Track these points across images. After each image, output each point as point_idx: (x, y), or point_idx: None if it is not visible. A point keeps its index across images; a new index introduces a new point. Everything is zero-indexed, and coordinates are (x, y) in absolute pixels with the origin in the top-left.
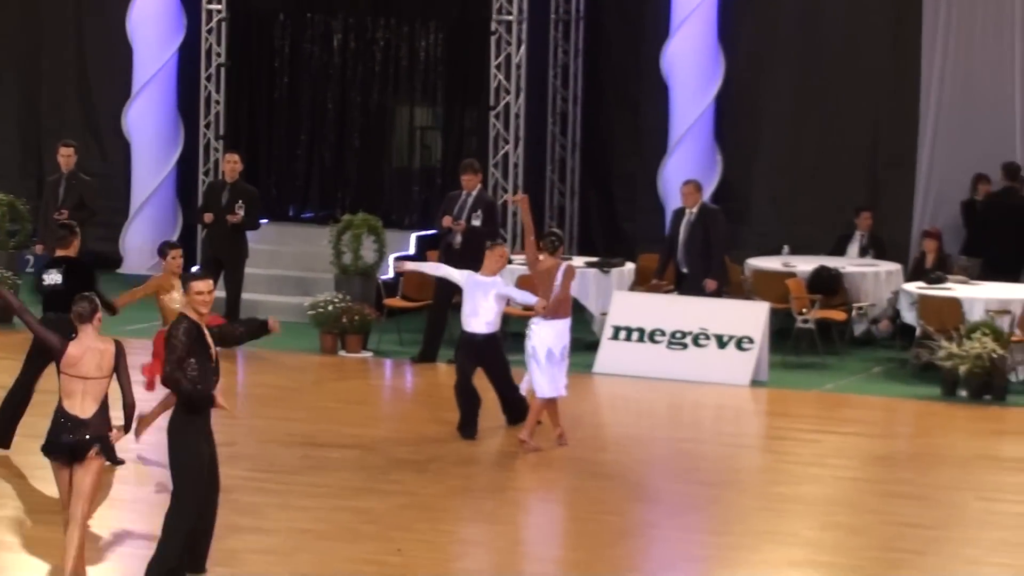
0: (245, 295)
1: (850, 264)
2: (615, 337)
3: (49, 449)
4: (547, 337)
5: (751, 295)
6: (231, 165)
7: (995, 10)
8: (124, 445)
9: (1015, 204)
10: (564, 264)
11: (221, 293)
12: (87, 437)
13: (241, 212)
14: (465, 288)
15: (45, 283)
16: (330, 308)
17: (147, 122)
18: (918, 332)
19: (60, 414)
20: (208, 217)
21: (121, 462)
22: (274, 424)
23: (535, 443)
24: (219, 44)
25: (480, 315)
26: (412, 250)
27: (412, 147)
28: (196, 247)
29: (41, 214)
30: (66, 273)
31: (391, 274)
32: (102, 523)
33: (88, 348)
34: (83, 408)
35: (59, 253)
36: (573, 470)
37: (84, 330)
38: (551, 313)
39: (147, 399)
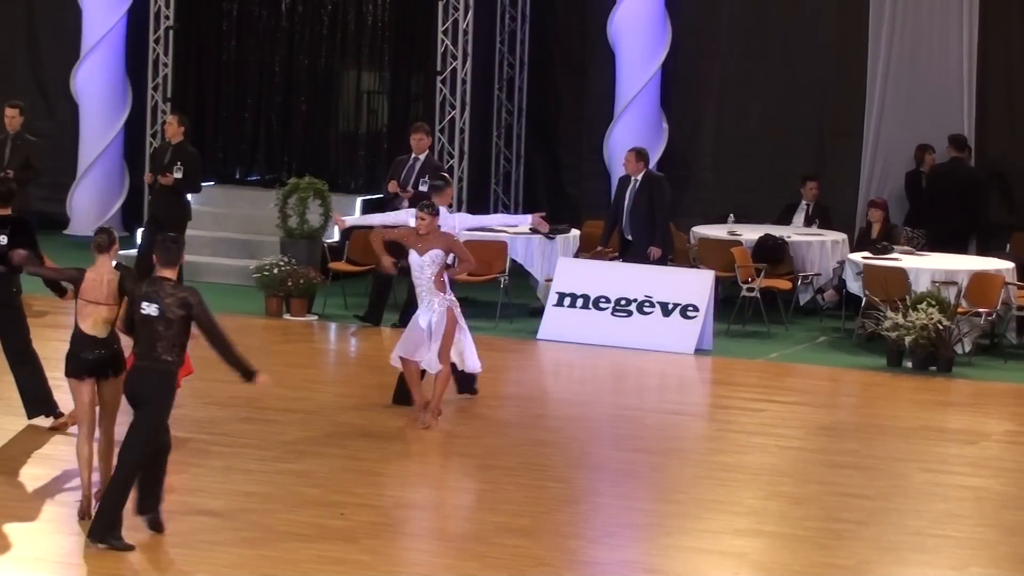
0: (190, 257)
1: (796, 233)
2: (559, 304)
3: (72, 368)
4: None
5: (696, 263)
6: (171, 127)
7: None
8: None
9: (963, 176)
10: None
11: None
12: (104, 353)
13: (178, 174)
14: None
15: None
16: (275, 271)
17: (95, 84)
18: (864, 302)
19: (78, 334)
20: (148, 177)
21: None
22: (218, 387)
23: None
24: (167, 7)
25: None
26: (357, 213)
27: (359, 111)
28: (143, 209)
29: None
30: (12, 233)
31: (336, 236)
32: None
33: (102, 276)
34: (96, 330)
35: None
36: (516, 437)
37: (102, 260)
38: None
39: None
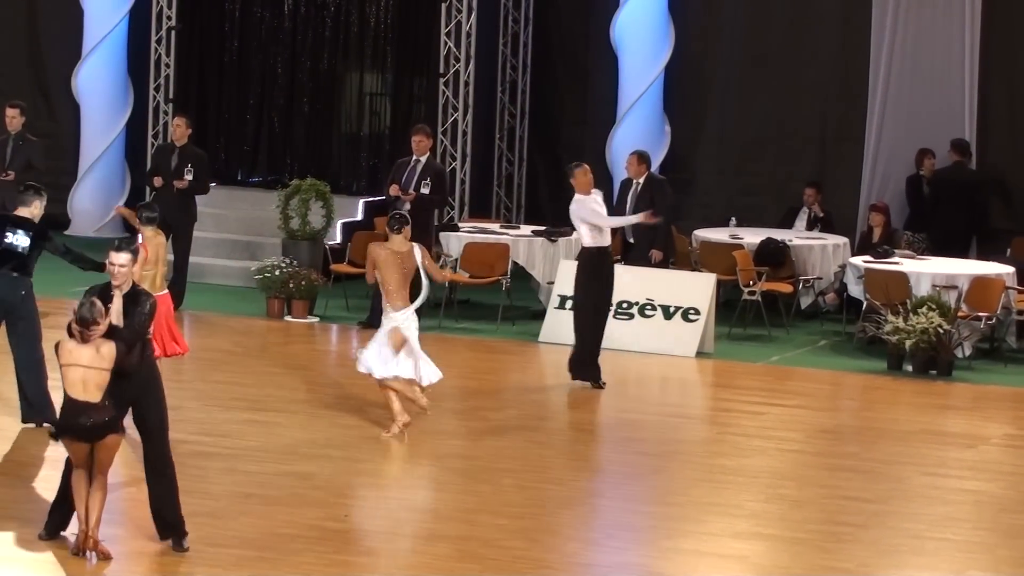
0: (192, 259)
1: (797, 237)
2: (561, 306)
3: (63, 431)
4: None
5: (698, 266)
6: (179, 129)
7: None
8: None
9: (965, 180)
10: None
11: (170, 257)
12: (92, 421)
13: (189, 177)
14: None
15: (7, 241)
16: (277, 273)
17: (97, 84)
18: (865, 306)
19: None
20: (158, 181)
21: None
22: (219, 388)
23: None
24: (170, 7)
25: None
26: (360, 216)
27: (361, 113)
28: None
29: None
30: (34, 239)
31: (338, 238)
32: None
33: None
34: (87, 394)
35: (22, 213)
36: (517, 439)
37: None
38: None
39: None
